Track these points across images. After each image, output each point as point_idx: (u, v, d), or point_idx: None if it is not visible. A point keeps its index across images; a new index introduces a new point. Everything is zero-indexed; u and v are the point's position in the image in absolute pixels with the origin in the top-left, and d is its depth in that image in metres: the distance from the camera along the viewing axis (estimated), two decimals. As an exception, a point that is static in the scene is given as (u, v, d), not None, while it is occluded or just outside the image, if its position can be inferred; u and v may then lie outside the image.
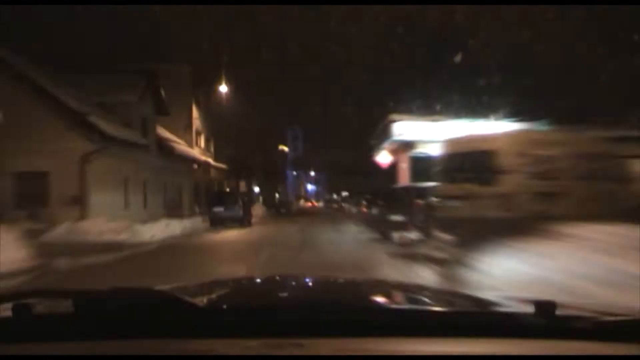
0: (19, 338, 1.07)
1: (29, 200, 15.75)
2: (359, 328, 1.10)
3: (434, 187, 11.36)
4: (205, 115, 32.18)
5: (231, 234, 19.19)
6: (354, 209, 34.74)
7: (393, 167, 23.04)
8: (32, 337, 1.08)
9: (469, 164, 9.96)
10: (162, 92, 23.51)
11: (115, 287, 1.14)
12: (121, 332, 1.06)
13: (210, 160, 32.76)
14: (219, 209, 23.16)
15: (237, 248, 14.59)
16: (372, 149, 25.77)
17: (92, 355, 1.01)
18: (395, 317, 1.24)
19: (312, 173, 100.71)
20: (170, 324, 1.10)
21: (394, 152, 23.00)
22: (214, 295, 1.69)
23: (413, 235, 12.11)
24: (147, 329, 1.09)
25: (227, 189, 33.95)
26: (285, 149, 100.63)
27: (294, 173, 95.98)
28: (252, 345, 1.02)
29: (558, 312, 1.17)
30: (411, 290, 1.89)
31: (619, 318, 1.23)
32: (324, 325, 1.11)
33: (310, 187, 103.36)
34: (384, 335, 1.07)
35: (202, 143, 32.47)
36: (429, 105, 21.38)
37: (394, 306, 1.54)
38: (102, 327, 1.09)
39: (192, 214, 26.13)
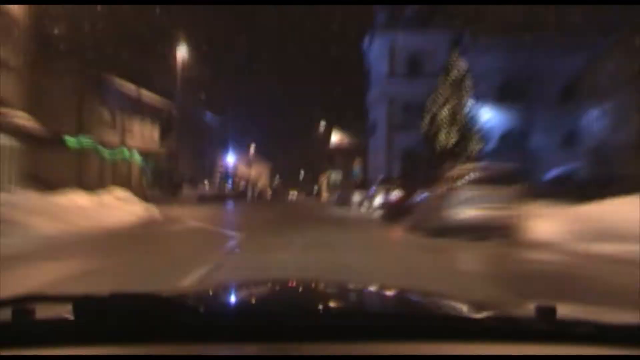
0: (19, 343, 1.08)
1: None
2: (358, 332, 1.10)
3: None
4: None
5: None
6: None
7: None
8: (31, 342, 1.08)
9: None
10: None
11: (114, 292, 1.15)
12: (120, 337, 1.08)
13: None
14: None
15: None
16: None
17: None
18: (394, 321, 1.24)
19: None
20: (169, 328, 1.11)
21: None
22: (214, 300, 1.73)
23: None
24: (146, 333, 1.09)
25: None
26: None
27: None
28: (252, 350, 1.05)
29: (558, 315, 1.19)
30: (410, 294, 1.89)
31: (620, 322, 1.25)
32: (324, 330, 1.12)
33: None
34: (384, 339, 1.08)
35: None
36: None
37: (393, 310, 1.55)
38: (102, 332, 1.10)
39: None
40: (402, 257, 8.74)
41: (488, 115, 30.20)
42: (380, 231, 14.42)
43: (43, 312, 1.21)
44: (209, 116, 50.82)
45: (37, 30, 19.10)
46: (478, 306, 1.56)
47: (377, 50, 38.08)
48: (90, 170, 25.02)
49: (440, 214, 11.12)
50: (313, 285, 2.12)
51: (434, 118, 27.98)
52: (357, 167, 43.94)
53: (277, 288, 1.95)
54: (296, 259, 7.94)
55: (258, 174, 68.39)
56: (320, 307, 1.53)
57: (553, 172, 23.40)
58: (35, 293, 1.23)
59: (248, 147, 68.86)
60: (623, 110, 20.34)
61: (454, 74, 27.67)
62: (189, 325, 1.12)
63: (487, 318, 1.33)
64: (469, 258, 8.80)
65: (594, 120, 23.19)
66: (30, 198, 12.98)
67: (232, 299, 1.72)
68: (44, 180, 17.56)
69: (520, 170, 12.13)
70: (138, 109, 31.12)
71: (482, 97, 28.85)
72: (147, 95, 31.80)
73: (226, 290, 1.89)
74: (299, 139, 66.60)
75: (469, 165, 13.57)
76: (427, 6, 34.65)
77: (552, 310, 1.18)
